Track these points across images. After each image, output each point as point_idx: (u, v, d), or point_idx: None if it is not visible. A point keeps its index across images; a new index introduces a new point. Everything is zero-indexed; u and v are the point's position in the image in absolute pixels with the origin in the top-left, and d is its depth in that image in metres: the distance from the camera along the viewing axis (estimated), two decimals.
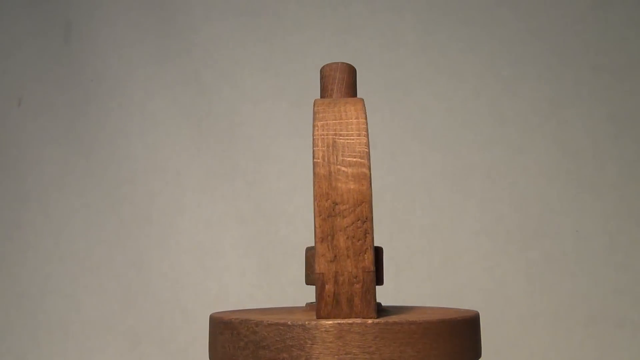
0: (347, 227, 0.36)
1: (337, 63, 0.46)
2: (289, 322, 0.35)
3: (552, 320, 0.84)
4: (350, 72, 0.46)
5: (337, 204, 0.36)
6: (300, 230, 0.91)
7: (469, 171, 0.89)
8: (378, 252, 0.43)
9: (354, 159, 0.37)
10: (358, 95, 0.46)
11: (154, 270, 0.97)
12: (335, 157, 0.37)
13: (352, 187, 0.37)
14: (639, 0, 0.88)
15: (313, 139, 0.38)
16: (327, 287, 0.35)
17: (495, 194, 0.88)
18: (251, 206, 0.94)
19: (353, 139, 0.38)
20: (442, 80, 0.92)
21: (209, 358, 0.42)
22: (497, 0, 0.92)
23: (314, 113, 0.40)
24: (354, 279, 0.36)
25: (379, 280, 0.43)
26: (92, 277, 1.00)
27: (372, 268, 0.36)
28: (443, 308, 0.47)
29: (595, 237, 0.85)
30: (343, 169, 0.37)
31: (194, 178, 0.98)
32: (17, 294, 1.02)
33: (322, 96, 0.46)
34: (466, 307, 0.46)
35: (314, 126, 0.39)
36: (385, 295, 0.49)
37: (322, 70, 0.46)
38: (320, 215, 0.36)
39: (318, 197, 0.36)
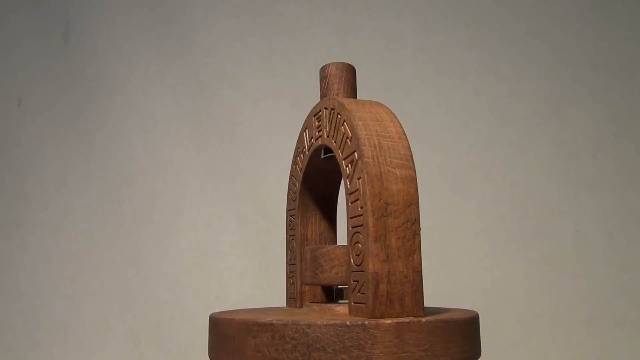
0: (398, 227, 0.37)
1: (337, 63, 0.46)
2: (347, 323, 0.34)
3: (552, 320, 0.84)
4: (351, 72, 0.46)
5: (388, 204, 0.37)
6: None
7: (469, 171, 0.89)
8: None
9: (401, 161, 0.38)
10: (358, 96, 0.46)
11: (154, 270, 0.97)
12: (383, 158, 0.38)
13: (401, 188, 0.37)
14: (639, 1, 0.88)
15: (355, 137, 0.39)
16: (381, 286, 0.36)
17: (495, 194, 0.88)
18: (251, 206, 0.94)
19: (396, 142, 0.39)
20: (442, 80, 0.92)
21: None
22: (497, 0, 0.92)
23: (349, 111, 0.40)
24: (405, 279, 0.36)
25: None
26: (92, 277, 1.00)
27: (420, 268, 0.37)
28: (452, 307, 0.47)
29: (595, 237, 0.85)
30: (392, 170, 0.38)
31: (194, 178, 0.98)
32: (17, 294, 1.02)
33: (322, 96, 0.46)
34: (466, 307, 0.46)
35: (353, 125, 0.39)
36: None
37: (322, 70, 0.46)
38: (374, 215, 0.36)
39: (371, 196, 0.37)
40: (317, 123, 0.45)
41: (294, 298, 0.48)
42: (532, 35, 0.90)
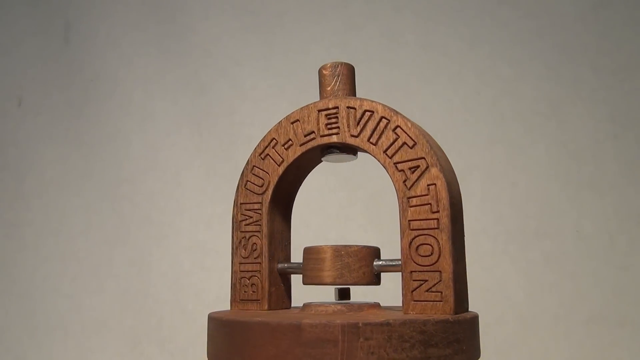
0: (460, 230, 0.43)
1: (336, 62, 0.46)
2: (450, 319, 0.37)
3: (552, 320, 0.84)
4: (350, 71, 0.46)
5: (457, 209, 0.43)
6: (300, 230, 0.91)
7: (469, 171, 0.89)
8: (375, 252, 0.44)
9: (449, 166, 0.45)
10: (357, 95, 0.46)
11: (154, 270, 0.97)
12: (446, 164, 0.43)
13: (458, 191, 0.45)
14: (639, 1, 0.88)
15: (420, 144, 0.42)
16: (457, 285, 0.39)
17: (495, 194, 0.88)
18: None
19: (440, 148, 0.45)
20: (442, 80, 0.92)
21: None
22: (497, 0, 0.92)
23: (404, 118, 0.43)
24: (464, 278, 0.41)
25: (377, 280, 0.43)
26: (92, 277, 1.00)
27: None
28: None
29: (595, 237, 0.85)
30: (452, 175, 0.44)
31: (194, 178, 0.98)
32: (17, 294, 1.02)
33: (321, 96, 0.46)
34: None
35: (417, 133, 0.42)
36: (385, 295, 0.49)
37: (321, 70, 0.46)
38: (450, 219, 0.40)
39: (449, 202, 0.41)
40: (326, 120, 0.44)
41: (255, 300, 0.45)
42: (532, 35, 0.90)
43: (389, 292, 0.50)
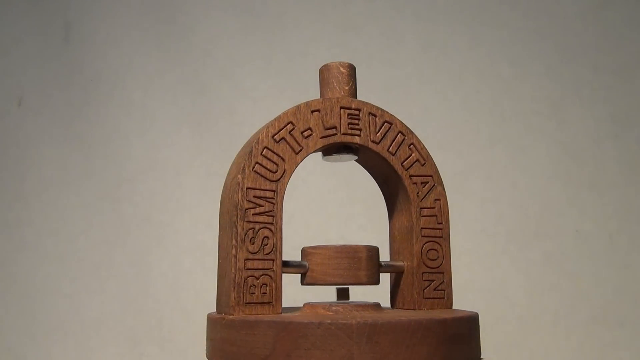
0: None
1: (337, 62, 0.46)
2: (468, 315, 0.41)
3: (552, 320, 0.84)
4: (351, 72, 0.46)
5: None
6: (300, 231, 0.91)
7: (469, 171, 0.89)
8: (374, 251, 0.44)
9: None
10: (358, 96, 0.46)
11: (154, 270, 0.97)
12: (444, 183, 0.48)
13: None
14: (639, 0, 0.88)
15: (430, 164, 0.47)
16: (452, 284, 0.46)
17: (495, 194, 0.88)
18: None
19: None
20: (442, 80, 0.92)
21: None
22: (497, 0, 0.92)
23: (418, 137, 0.47)
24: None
25: (376, 280, 0.44)
26: (92, 277, 1.00)
27: None
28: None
29: (595, 237, 0.85)
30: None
31: (194, 178, 0.98)
32: (17, 294, 1.02)
33: (322, 95, 0.46)
34: (466, 307, 0.46)
35: (428, 154, 0.47)
36: (385, 295, 0.49)
37: (322, 70, 0.46)
38: (450, 229, 0.47)
39: (448, 215, 0.47)
40: (348, 120, 0.44)
41: (267, 303, 0.40)
42: (532, 35, 0.90)
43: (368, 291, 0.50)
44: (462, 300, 0.84)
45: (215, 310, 0.44)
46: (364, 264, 0.43)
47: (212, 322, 0.41)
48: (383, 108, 0.46)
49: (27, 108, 1.08)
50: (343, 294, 0.45)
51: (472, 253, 0.87)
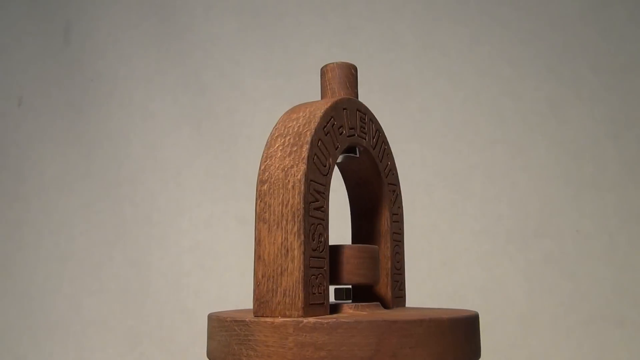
0: None
1: (338, 62, 0.46)
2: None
3: (552, 320, 0.84)
4: (352, 72, 0.46)
5: None
6: None
7: (469, 171, 0.89)
8: (373, 251, 0.44)
9: None
10: (358, 96, 0.46)
11: (154, 270, 0.97)
12: None
13: None
14: (639, 1, 0.88)
15: (396, 174, 0.50)
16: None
17: (495, 194, 0.88)
18: (251, 206, 0.94)
19: None
20: (442, 80, 0.92)
21: None
22: (497, 0, 0.92)
23: (391, 151, 0.49)
24: None
25: (372, 279, 0.44)
26: (92, 277, 1.00)
27: None
28: (443, 309, 0.47)
29: (595, 237, 0.85)
30: None
31: (194, 178, 0.98)
32: (17, 294, 1.02)
33: (322, 95, 0.46)
34: (466, 307, 0.46)
35: (396, 165, 0.49)
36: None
37: (323, 70, 0.46)
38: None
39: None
40: (360, 122, 0.45)
41: (320, 304, 0.38)
42: (532, 35, 0.90)
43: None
44: (462, 300, 0.85)
45: (217, 310, 0.44)
46: (376, 263, 0.44)
47: (275, 327, 0.36)
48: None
49: (27, 108, 1.08)
50: (347, 294, 0.45)
51: (472, 253, 0.87)
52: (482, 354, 0.41)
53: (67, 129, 1.05)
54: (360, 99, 0.46)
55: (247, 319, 0.36)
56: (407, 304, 0.51)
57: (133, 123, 1.02)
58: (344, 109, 0.42)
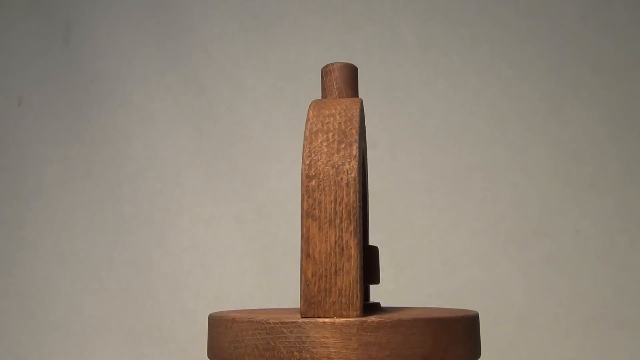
0: None
1: (339, 63, 0.46)
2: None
3: (552, 320, 0.84)
4: (353, 72, 0.46)
5: None
6: (299, 231, 0.91)
7: (469, 171, 0.89)
8: (373, 251, 0.44)
9: None
10: (359, 96, 0.46)
11: (154, 270, 0.97)
12: None
13: None
14: (639, 0, 0.88)
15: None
16: None
17: (495, 194, 0.88)
18: (251, 206, 0.94)
19: None
20: (442, 80, 0.92)
21: None
22: (497, 0, 0.92)
23: None
24: None
25: (375, 279, 0.44)
26: (92, 277, 1.00)
27: None
28: (442, 308, 0.47)
29: (595, 237, 0.85)
30: None
31: (194, 178, 0.98)
32: (17, 294, 1.02)
33: (326, 94, 0.46)
34: (466, 307, 0.46)
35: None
36: (385, 295, 0.49)
37: (327, 69, 0.46)
38: None
39: None
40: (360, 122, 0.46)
41: (368, 303, 0.40)
42: (532, 35, 0.90)
43: (391, 292, 0.50)
44: (462, 300, 0.85)
45: (217, 310, 0.44)
46: (378, 263, 0.44)
47: (337, 327, 0.34)
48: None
49: (27, 108, 1.08)
50: None
51: (472, 253, 0.87)
52: (482, 354, 0.41)
53: (67, 129, 1.05)
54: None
55: (298, 320, 0.34)
56: (407, 304, 0.51)
57: (133, 123, 1.02)
58: (360, 109, 0.42)
